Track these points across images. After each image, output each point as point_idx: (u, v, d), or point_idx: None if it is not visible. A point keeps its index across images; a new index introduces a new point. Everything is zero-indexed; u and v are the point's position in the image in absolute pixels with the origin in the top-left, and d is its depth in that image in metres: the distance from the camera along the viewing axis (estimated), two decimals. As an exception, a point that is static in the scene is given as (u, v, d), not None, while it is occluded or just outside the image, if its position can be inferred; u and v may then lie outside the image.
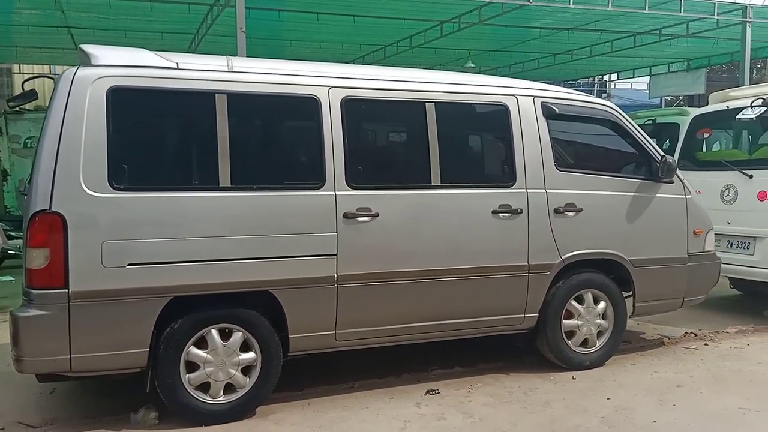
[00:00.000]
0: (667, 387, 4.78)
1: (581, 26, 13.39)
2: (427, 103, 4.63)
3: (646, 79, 22.41)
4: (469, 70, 15.08)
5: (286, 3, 11.40)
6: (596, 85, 29.19)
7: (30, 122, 12.73)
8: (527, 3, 10.55)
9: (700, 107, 12.47)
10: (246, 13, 9.10)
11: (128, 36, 12.98)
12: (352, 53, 15.82)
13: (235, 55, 7.80)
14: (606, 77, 26.88)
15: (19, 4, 11.26)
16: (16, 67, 20.29)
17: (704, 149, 8.30)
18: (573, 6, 10.71)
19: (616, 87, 29.56)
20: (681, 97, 23.72)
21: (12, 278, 9.52)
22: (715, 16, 11.81)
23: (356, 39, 14.41)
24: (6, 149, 12.67)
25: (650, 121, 9.37)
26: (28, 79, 4.86)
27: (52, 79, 4.28)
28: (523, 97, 4.97)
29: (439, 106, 4.67)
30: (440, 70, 10.89)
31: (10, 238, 10.30)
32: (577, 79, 23.44)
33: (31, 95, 4.46)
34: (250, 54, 9.68)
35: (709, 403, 4.49)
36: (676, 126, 9.13)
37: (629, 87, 29.77)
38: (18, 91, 20.46)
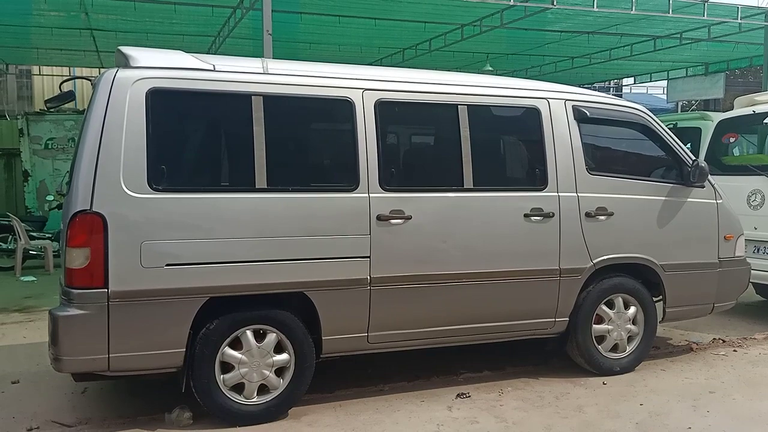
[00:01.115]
0: (699, 392, 4.75)
1: (602, 30, 13.35)
2: (459, 106, 4.64)
3: (662, 83, 22.31)
4: (488, 73, 15.07)
5: (308, 6, 11.44)
6: (612, 89, 29.06)
7: (51, 123, 12.83)
8: (550, 6, 10.52)
9: (715, 111, 12.43)
10: (269, 16, 9.12)
11: (150, 38, 13.08)
12: (370, 56, 15.85)
13: (258, 57, 7.84)
14: (621, 81, 26.76)
15: (43, 5, 11.37)
16: (36, 69, 20.44)
17: (729, 154, 8.24)
18: (596, 9, 10.67)
19: (632, 91, 29.41)
20: (695, 102, 23.58)
21: (35, 278, 9.60)
22: (738, 20, 11.73)
23: (376, 42, 14.43)
24: (27, 150, 12.77)
25: (671, 126, 9.31)
26: (65, 81, 4.91)
27: (90, 81, 4.31)
28: (555, 101, 4.96)
29: (472, 108, 4.67)
30: (462, 73, 10.88)
31: (31, 238, 10.40)
32: (594, 83, 23.35)
33: (69, 96, 4.50)
34: (272, 56, 9.71)
35: (743, 408, 4.46)
36: (698, 130, 9.10)
37: (645, 91, 29.64)
38: (39, 92, 20.78)
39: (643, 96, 29.22)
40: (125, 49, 4.10)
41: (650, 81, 22.37)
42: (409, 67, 13.41)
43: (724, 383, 4.97)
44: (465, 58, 16.13)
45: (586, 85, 20.99)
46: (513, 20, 11.89)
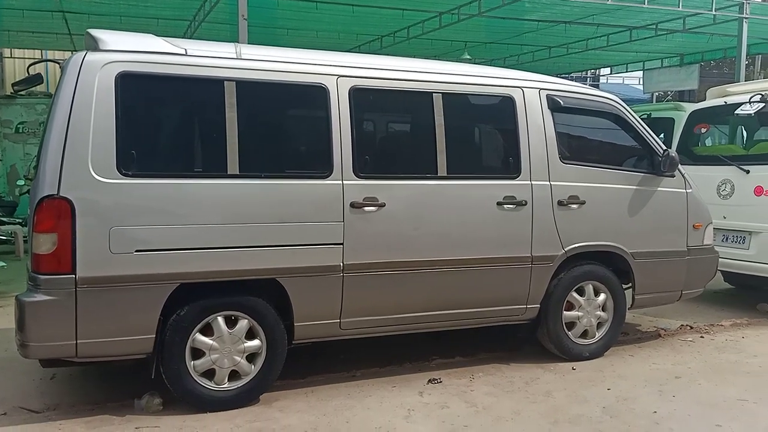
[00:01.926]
0: (666, 378, 4.84)
1: (578, 20, 13.41)
2: (434, 94, 4.64)
3: (639, 73, 22.48)
4: (466, 62, 15.08)
5: (286, -8, 11.34)
6: (588, 79, 29.26)
7: (22, 107, 12.57)
8: (527, -5, 10.53)
9: (689, 102, 12.59)
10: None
11: (123, 21, 12.86)
12: (348, 43, 15.77)
13: (234, 42, 7.76)
14: (599, 71, 26.96)
15: (14, -14, 11.14)
16: (7, 52, 20.01)
17: (700, 144, 8.36)
18: (572, -1, 10.71)
19: (609, 81, 29.64)
20: (670, 93, 23.85)
21: (4, 264, 9.42)
22: (713, 12, 11.86)
23: (354, 29, 14.35)
24: (-2, 134, 12.53)
25: (645, 116, 9.42)
26: (32, 63, 4.84)
27: (59, 64, 4.24)
28: (529, 90, 4.98)
29: (446, 96, 4.68)
30: (439, 60, 10.86)
31: (1, 223, 10.22)
32: (571, 73, 23.48)
33: (37, 79, 4.43)
34: (248, 42, 9.62)
35: (708, 393, 4.56)
36: (671, 120, 9.22)
37: (621, 82, 29.88)
38: (10, 75, 20.35)
39: (619, 86, 29.46)
40: (94, 32, 4.03)
41: (626, 71, 22.57)
42: (387, 55, 13.38)
43: (691, 369, 5.07)
44: (443, 46, 16.11)
45: (563, 75, 21.13)
46: (491, 8, 11.90)
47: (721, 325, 6.37)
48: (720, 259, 5.99)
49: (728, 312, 6.95)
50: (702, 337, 5.99)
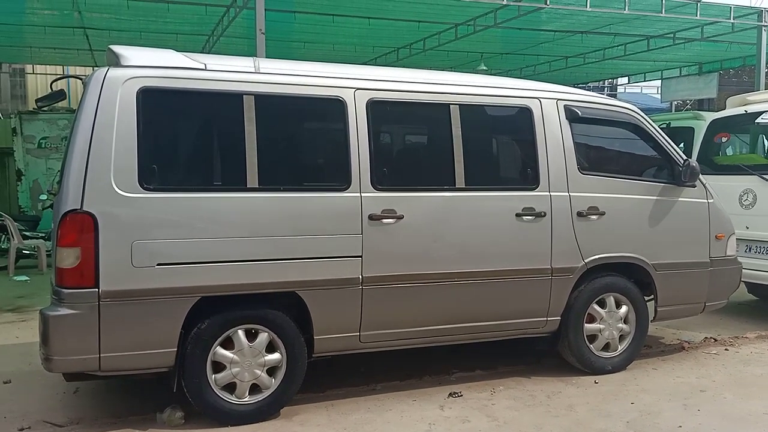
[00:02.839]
0: (690, 392, 4.77)
1: (595, 29, 13.38)
2: (451, 105, 4.64)
3: (657, 83, 22.36)
4: (482, 73, 15.09)
5: (302, 5, 11.43)
6: (606, 89, 29.12)
7: (44, 122, 12.78)
8: (544, 6, 10.53)
9: (709, 111, 12.49)
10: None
11: (143, 37, 13.04)
12: (364, 55, 15.85)
13: (251, 56, 7.84)
14: (616, 81, 26.82)
15: (36, 4, 11.33)
16: (29, 68, 20.37)
17: (721, 153, 8.28)
18: (589, 9, 10.69)
19: (627, 91, 29.48)
20: (689, 102, 23.66)
21: (27, 278, 9.58)
22: (731, 20, 11.78)
23: (369, 41, 14.44)
24: (20, 149, 12.71)
25: (664, 125, 9.35)
26: (56, 80, 4.90)
27: (81, 80, 4.30)
28: (547, 100, 4.97)
29: (464, 108, 4.68)
30: (455, 72, 10.87)
31: (25, 237, 10.36)
32: (588, 83, 23.40)
33: (60, 95, 4.49)
34: (265, 55, 9.70)
35: (734, 407, 4.48)
36: (691, 130, 9.13)
37: (639, 91, 29.70)
38: (32, 91, 20.70)
39: (637, 95, 29.28)
40: (116, 48, 4.09)
41: (644, 80, 22.44)
42: (404, 67, 13.43)
43: (715, 382, 4.99)
44: (459, 57, 16.14)
45: (580, 85, 21.07)
46: (507, 20, 11.91)
47: (746, 338, 6.27)
48: (743, 270, 5.90)
49: (753, 324, 6.84)
50: (726, 349, 5.89)
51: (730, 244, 5.62)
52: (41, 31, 13.22)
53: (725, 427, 4.16)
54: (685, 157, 5.35)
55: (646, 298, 5.32)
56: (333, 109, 4.35)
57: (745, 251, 6.72)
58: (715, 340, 6.17)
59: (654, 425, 4.17)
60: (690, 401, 4.58)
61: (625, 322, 5.22)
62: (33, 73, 20.59)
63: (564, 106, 5.01)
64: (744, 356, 5.68)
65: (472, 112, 4.75)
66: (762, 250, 6.73)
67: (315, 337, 4.27)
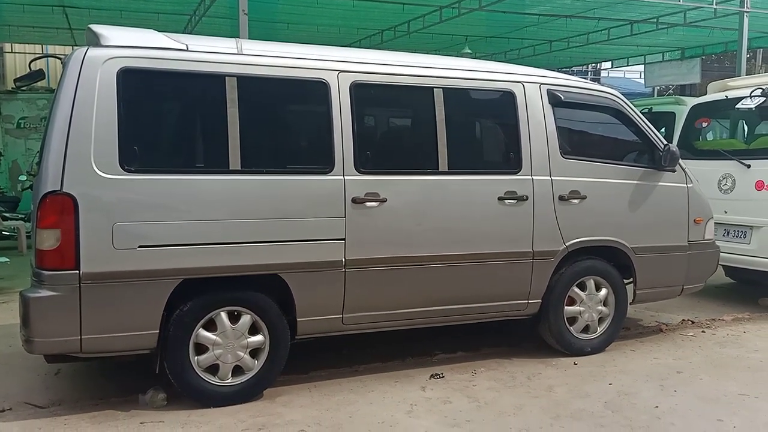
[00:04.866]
0: (667, 373, 4.86)
1: (579, 13, 13.39)
2: (435, 89, 4.64)
3: (640, 67, 22.47)
4: (466, 56, 15.07)
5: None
6: (590, 73, 29.22)
7: (23, 102, 12.61)
8: (528, -11, 10.52)
9: (691, 96, 12.61)
10: (246, -5, 9.03)
11: (124, 16, 12.85)
12: (349, 37, 15.76)
13: (234, 37, 7.76)
14: (600, 65, 26.92)
15: (14, -18, 11.13)
16: (7, 47, 20.00)
17: (701, 138, 8.36)
18: (573, -8, 10.70)
19: (610, 75, 29.60)
20: (671, 87, 23.82)
21: (7, 259, 9.45)
22: (713, 6, 11.84)
23: (354, 23, 14.35)
24: (-1, 130, 12.55)
25: (646, 110, 9.42)
26: (34, 59, 4.81)
27: (60, 59, 4.24)
28: (530, 84, 4.98)
29: (447, 91, 4.68)
30: (439, 55, 10.86)
31: (4, 219, 10.24)
32: (572, 67, 23.47)
33: (39, 75, 4.43)
34: (248, 36, 9.61)
35: (709, 388, 4.57)
36: (672, 115, 9.21)
37: (622, 75, 29.83)
38: (11, 70, 20.33)
39: (620, 80, 29.42)
40: (96, 28, 4.03)
41: (627, 65, 22.56)
42: (388, 49, 13.38)
43: (692, 364, 5.09)
44: (444, 40, 16.11)
45: (564, 69, 21.12)
46: (491, 2, 11.88)
47: (723, 320, 6.39)
48: (721, 254, 5.99)
49: (729, 307, 6.96)
50: (703, 331, 6.00)
51: (709, 228, 5.70)
52: (20, 9, 12.97)
53: (701, 407, 4.25)
54: (665, 142, 5.40)
55: (626, 281, 5.39)
56: (316, 91, 4.33)
57: (723, 235, 6.82)
58: (693, 322, 6.28)
59: (631, 405, 4.25)
60: (667, 382, 4.66)
61: (605, 304, 5.29)
62: (11, 52, 20.21)
63: (547, 90, 5.03)
64: (720, 338, 5.79)
65: (456, 96, 4.75)
66: (740, 234, 6.83)
67: (298, 319, 4.28)
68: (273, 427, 3.86)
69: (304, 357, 4.83)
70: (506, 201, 4.79)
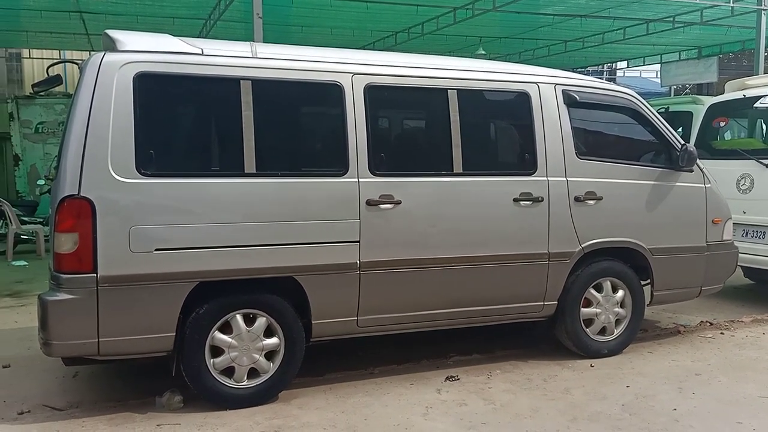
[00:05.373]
0: (685, 375, 4.81)
1: (594, 13, 13.31)
2: (449, 90, 4.63)
3: (656, 67, 22.30)
4: (480, 57, 15.04)
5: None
6: (605, 73, 29.04)
7: (41, 107, 12.76)
8: (542, -11, 10.48)
9: (708, 95, 12.48)
10: (261, -1, 9.07)
11: (140, 21, 12.99)
12: (362, 39, 15.78)
13: (249, 40, 7.81)
14: (615, 65, 26.75)
15: (32, -12, 11.27)
16: (25, 52, 20.26)
17: (719, 138, 8.27)
18: (588, -8, 10.64)
19: (626, 75, 29.40)
20: (689, 86, 23.60)
21: (26, 263, 9.60)
22: (730, 4, 11.73)
23: (367, 25, 14.37)
24: (18, 134, 12.70)
25: (663, 110, 9.34)
26: (52, 65, 4.87)
27: (77, 64, 4.28)
28: (545, 85, 4.96)
29: (461, 93, 4.67)
30: (453, 57, 10.84)
31: (23, 223, 10.37)
32: (587, 67, 23.34)
33: (56, 80, 4.48)
34: (263, 40, 9.65)
35: (728, 391, 4.52)
36: (689, 114, 9.12)
37: (638, 75, 29.61)
38: (29, 75, 20.60)
39: (636, 80, 29.21)
40: (112, 33, 4.07)
41: (643, 64, 22.41)
42: (402, 51, 13.39)
43: (710, 366, 5.03)
44: (457, 41, 16.08)
45: (579, 69, 21.01)
46: (505, 3, 11.84)
47: (742, 321, 6.31)
48: (740, 255, 5.93)
49: (748, 308, 6.87)
50: (722, 333, 5.93)
51: (727, 228, 5.64)
52: (37, 15, 13.14)
53: (719, 409, 4.20)
54: (682, 142, 5.35)
55: (643, 283, 5.34)
56: (331, 94, 4.33)
57: (742, 236, 6.74)
58: (711, 324, 6.21)
59: (649, 408, 4.21)
60: (685, 384, 4.61)
61: (622, 306, 5.24)
62: (29, 58, 20.48)
63: (562, 90, 5.00)
64: (739, 340, 5.72)
65: (470, 97, 4.74)
66: (759, 234, 6.74)
67: (313, 322, 4.29)
68: (289, 429, 3.87)
69: (320, 359, 4.83)
70: (521, 202, 4.77)
